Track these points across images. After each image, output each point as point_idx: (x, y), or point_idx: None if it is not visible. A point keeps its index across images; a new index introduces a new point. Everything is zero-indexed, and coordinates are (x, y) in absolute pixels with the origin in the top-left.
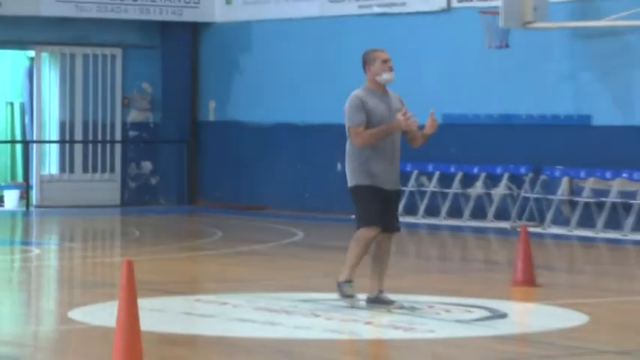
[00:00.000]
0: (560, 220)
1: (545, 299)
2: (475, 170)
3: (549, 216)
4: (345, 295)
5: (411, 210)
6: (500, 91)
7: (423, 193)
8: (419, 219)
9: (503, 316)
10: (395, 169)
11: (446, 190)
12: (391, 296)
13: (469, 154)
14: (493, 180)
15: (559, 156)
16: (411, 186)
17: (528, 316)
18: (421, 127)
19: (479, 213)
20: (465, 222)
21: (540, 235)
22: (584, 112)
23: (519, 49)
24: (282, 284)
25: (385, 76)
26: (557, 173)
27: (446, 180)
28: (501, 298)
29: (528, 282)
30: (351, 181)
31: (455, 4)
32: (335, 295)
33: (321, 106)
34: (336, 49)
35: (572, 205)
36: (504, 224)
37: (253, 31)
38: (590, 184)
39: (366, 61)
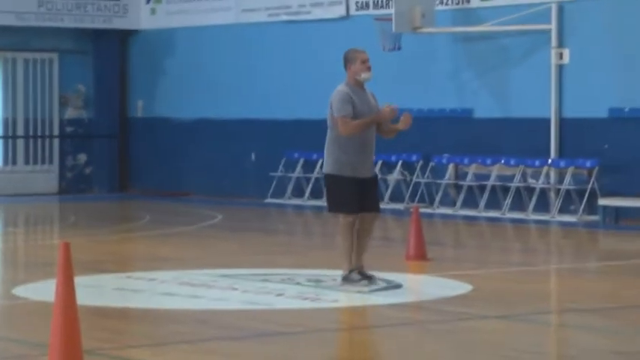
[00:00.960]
0: (447, 202)
1: (434, 271)
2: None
3: (438, 198)
4: (356, 281)
5: (318, 194)
6: (394, 89)
7: None
8: (324, 202)
9: (398, 286)
10: (371, 159)
11: None
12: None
13: None
14: (388, 167)
15: (446, 145)
16: (317, 173)
17: (420, 286)
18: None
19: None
20: None
21: (430, 215)
22: (466, 107)
23: (410, 51)
24: (204, 261)
25: (364, 75)
26: (444, 160)
27: None
28: (397, 271)
29: (420, 256)
30: (330, 169)
31: (353, 12)
32: (255, 270)
33: (237, 103)
34: (249, 52)
35: (458, 188)
36: (399, 206)
37: (176, 37)
38: (472, 169)
39: (348, 60)
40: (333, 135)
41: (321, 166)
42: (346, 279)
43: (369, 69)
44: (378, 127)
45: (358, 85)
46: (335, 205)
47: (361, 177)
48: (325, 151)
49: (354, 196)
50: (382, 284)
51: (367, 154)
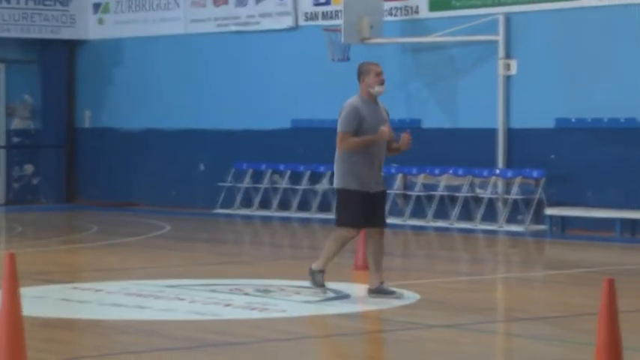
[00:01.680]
0: (396, 212)
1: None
2: (322, 169)
3: (387, 208)
4: (317, 284)
5: (266, 205)
6: (343, 99)
7: (276, 190)
8: (272, 212)
9: (346, 296)
10: (379, 173)
11: (296, 187)
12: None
13: (316, 155)
14: None
15: (395, 155)
16: (265, 183)
17: (368, 296)
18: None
19: (325, 206)
20: (313, 214)
21: None
22: (415, 117)
23: (359, 61)
24: (151, 272)
25: (377, 89)
26: (392, 170)
27: (296, 177)
28: (345, 281)
29: (368, 266)
30: (339, 184)
31: (302, 22)
32: (207, 281)
33: (186, 113)
34: (198, 62)
35: (406, 198)
36: None
37: (124, 47)
38: (421, 179)
39: (361, 73)
40: (339, 147)
41: (270, 177)
42: (312, 274)
43: (382, 82)
44: (387, 145)
45: (371, 98)
46: (341, 219)
47: (370, 191)
48: (335, 165)
49: (361, 211)
50: (335, 294)
51: (375, 168)
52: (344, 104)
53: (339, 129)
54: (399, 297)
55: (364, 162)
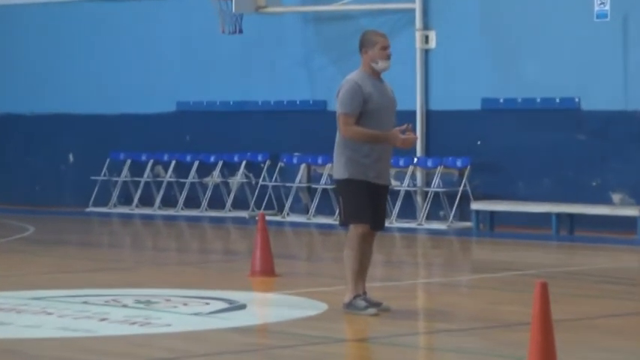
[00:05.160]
0: (299, 208)
1: (284, 289)
2: (212, 159)
3: (288, 204)
4: (362, 309)
5: (148, 201)
6: (236, 78)
7: (159, 184)
8: (155, 210)
9: (241, 307)
10: (388, 163)
11: (182, 180)
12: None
13: (205, 143)
14: (230, 168)
15: (296, 142)
16: (146, 177)
17: (267, 306)
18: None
19: (216, 202)
20: (203, 212)
21: (279, 224)
22: (319, 98)
23: (254, 35)
24: (13, 282)
25: (382, 64)
26: (295, 160)
27: (182, 169)
28: (240, 289)
29: (267, 272)
30: (341, 174)
31: None
32: (68, 292)
33: (52, 96)
34: (67, 35)
35: (311, 192)
36: (243, 213)
37: None
38: (327, 170)
39: (365, 43)
40: (340, 133)
41: (152, 169)
42: (350, 306)
43: (388, 57)
44: None
45: (375, 74)
46: (347, 215)
47: (375, 183)
48: (335, 153)
49: (368, 203)
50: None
51: (383, 156)
52: (343, 80)
53: (339, 110)
54: (386, 309)
55: (371, 149)
